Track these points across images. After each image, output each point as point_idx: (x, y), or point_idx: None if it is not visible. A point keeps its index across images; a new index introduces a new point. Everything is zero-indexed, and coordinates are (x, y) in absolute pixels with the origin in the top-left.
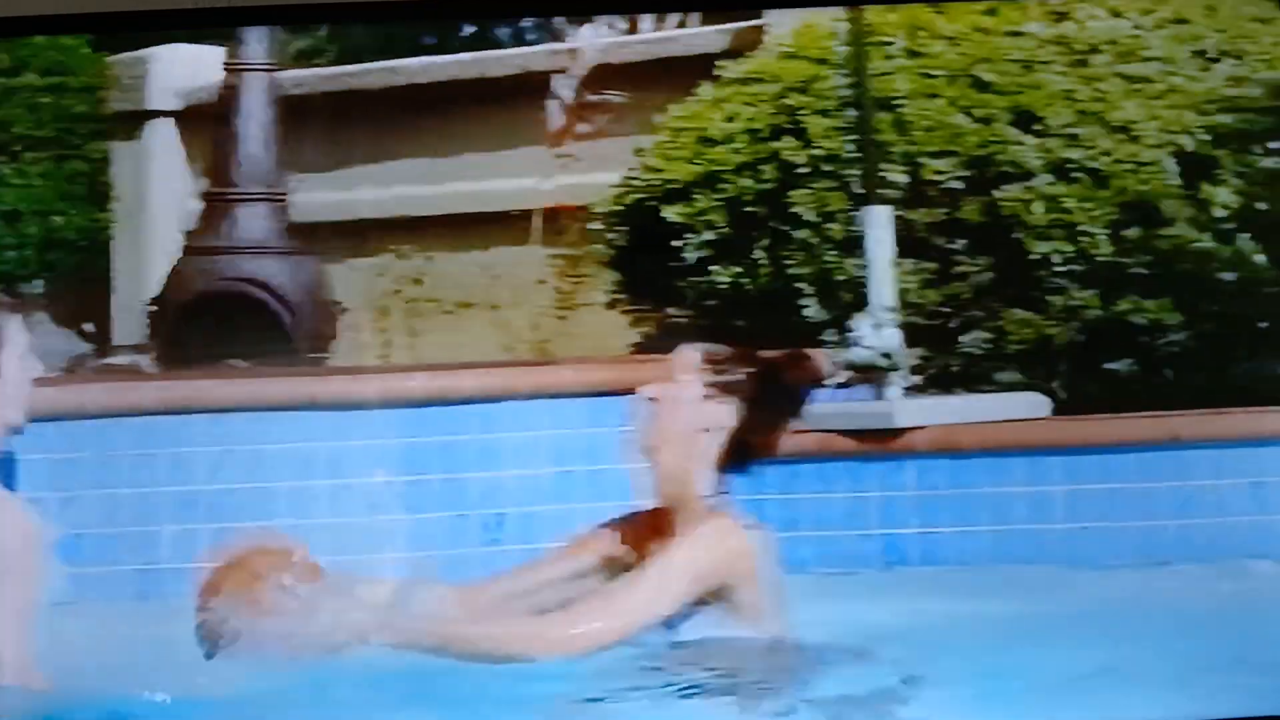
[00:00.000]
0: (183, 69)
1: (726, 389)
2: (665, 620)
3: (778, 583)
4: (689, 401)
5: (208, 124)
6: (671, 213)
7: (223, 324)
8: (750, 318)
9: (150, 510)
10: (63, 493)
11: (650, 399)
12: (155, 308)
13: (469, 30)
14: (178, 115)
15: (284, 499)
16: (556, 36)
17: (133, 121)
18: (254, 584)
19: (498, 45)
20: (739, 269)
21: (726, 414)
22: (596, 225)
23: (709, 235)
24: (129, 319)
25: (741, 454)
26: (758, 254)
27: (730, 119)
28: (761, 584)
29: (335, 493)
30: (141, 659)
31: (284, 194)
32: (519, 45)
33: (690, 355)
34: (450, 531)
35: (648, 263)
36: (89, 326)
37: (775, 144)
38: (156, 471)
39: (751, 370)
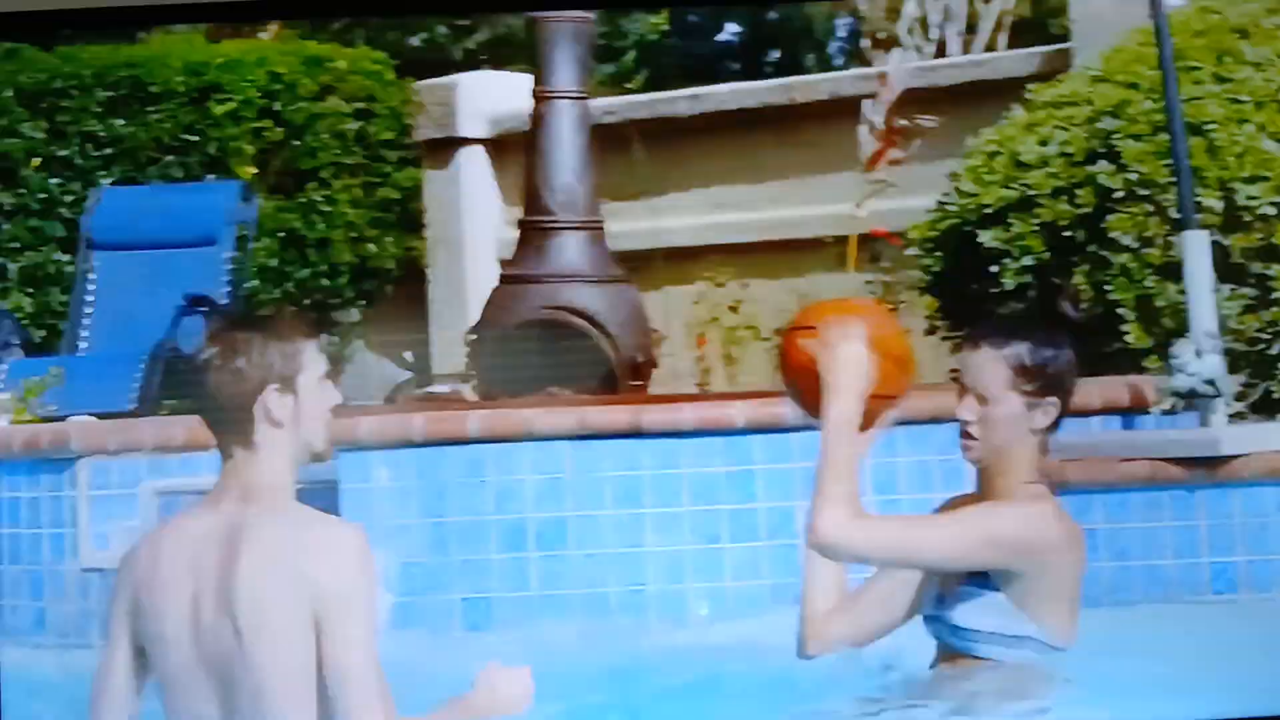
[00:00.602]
0: (490, 96)
1: (1042, 391)
2: (941, 593)
3: (1078, 590)
4: (1010, 414)
5: (518, 151)
6: (988, 237)
7: (543, 352)
8: (1070, 344)
9: (479, 538)
10: (389, 521)
11: (966, 422)
12: (475, 336)
13: (774, 56)
14: (487, 142)
15: (611, 526)
16: (864, 61)
17: (443, 148)
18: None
19: (804, 70)
20: (1074, 286)
21: (1050, 413)
22: (912, 250)
23: (1027, 260)
24: (449, 347)
25: (1056, 429)
26: (1076, 279)
27: (1044, 143)
28: (1066, 580)
29: (661, 521)
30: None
31: (600, 222)
32: (826, 70)
33: (998, 371)
34: (777, 561)
35: (965, 288)
36: (408, 355)
37: (1090, 168)
38: (484, 499)
39: (1054, 358)
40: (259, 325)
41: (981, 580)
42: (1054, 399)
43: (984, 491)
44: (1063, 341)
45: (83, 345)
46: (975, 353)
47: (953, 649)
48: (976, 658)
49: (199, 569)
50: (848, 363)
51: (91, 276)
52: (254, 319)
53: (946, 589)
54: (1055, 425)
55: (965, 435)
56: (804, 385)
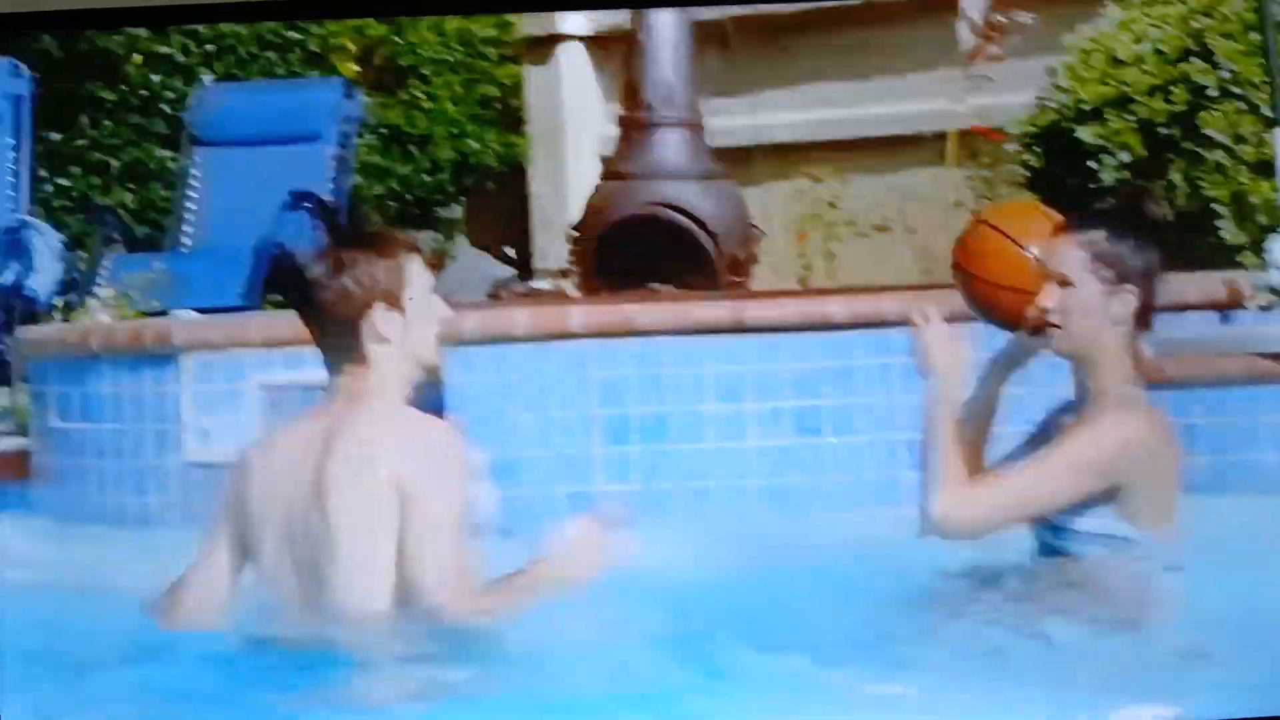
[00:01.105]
0: None
1: (1121, 278)
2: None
3: (1177, 484)
4: (1089, 299)
5: (618, 48)
6: (1086, 134)
7: (644, 249)
8: (1167, 240)
9: (582, 434)
10: (495, 416)
11: (1048, 310)
12: (576, 233)
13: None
14: (588, 40)
15: (713, 423)
16: None
17: (543, 46)
18: None
19: None
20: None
21: (1129, 303)
22: (1011, 146)
23: (1124, 157)
24: (550, 244)
25: (1145, 325)
26: (1173, 176)
27: (1138, 41)
28: (1165, 480)
29: (763, 416)
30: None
31: (700, 119)
32: None
33: (1076, 254)
34: (878, 456)
35: (1064, 184)
36: (510, 251)
37: (1184, 66)
38: (587, 395)
39: (1133, 245)
40: (363, 243)
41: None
42: (1131, 287)
43: (1078, 396)
44: (1144, 236)
45: (186, 242)
46: (1056, 240)
47: (1052, 549)
48: (1077, 559)
49: (296, 469)
50: (952, 349)
51: (195, 173)
52: (358, 236)
53: None
54: (1145, 324)
55: (1049, 325)
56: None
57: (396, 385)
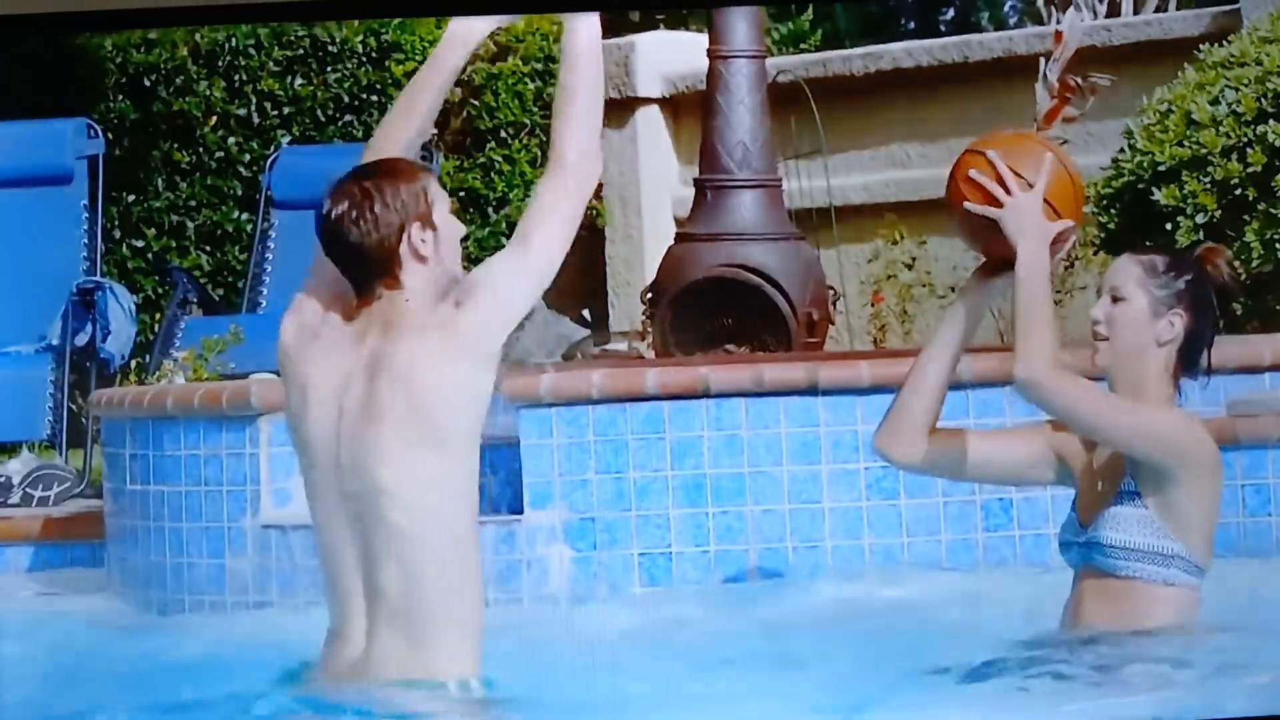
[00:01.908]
0: (667, 55)
1: (1172, 300)
2: (1082, 519)
3: (1218, 514)
4: (1138, 313)
5: (694, 111)
6: (1162, 195)
7: (719, 310)
8: (1243, 300)
9: (658, 495)
10: (569, 477)
11: (1097, 322)
12: (651, 294)
13: (949, 14)
14: (664, 102)
15: (788, 483)
16: (1039, 19)
17: (620, 109)
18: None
19: (979, 29)
20: (1230, 252)
21: (1175, 326)
22: (1087, 208)
23: (1199, 218)
24: (626, 305)
25: (1190, 362)
26: (1248, 237)
27: (1215, 102)
28: (1210, 496)
29: (836, 477)
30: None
31: (776, 180)
32: (1001, 29)
33: (1131, 268)
34: (955, 518)
35: (1139, 245)
36: (585, 313)
37: (1261, 127)
38: (662, 456)
39: (1188, 277)
40: (383, 171)
41: (1131, 495)
42: (1181, 311)
43: None
44: (1211, 274)
45: (262, 304)
46: (1117, 259)
47: (1097, 570)
48: (1123, 577)
49: (343, 408)
50: (1033, 209)
51: (271, 235)
52: (375, 167)
53: (1090, 513)
54: (1190, 360)
55: (1095, 338)
56: (974, 221)
57: (431, 301)
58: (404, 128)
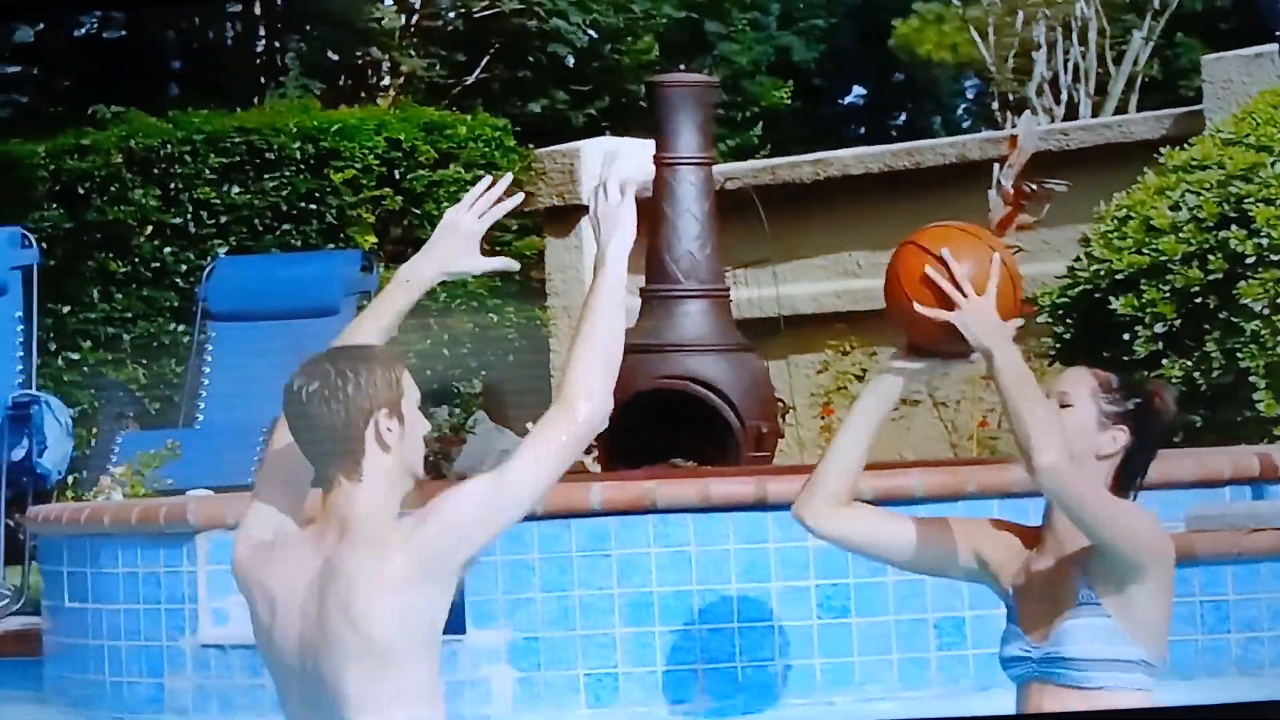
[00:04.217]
0: (609, 161)
1: (1117, 417)
2: (1032, 634)
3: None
4: (1084, 423)
5: (640, 218)
6: (1119, 305)
7: (665, 423)
8: (1203, 412)
9: (603, 613)
10: (513, 595)
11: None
12: None
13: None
14: None
15: (736, 600)
16: (993, 123)
17: (564, 216)
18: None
19: (931, 134)
20: (1189, 362)
21: (1117, 442)
22: (1043, 318)
23: (1158, 327)
24: None
25: (1125, 483)
26: (1209, 347)
27: (1175, 207)
28: (1167, 594)
29: (785, 595)
30: None
31: (724, 290)
32: (953, 133)
33: (1085, 379)
34: (907, 636)
35: (1096, 356)
36: (530, 425)
37: (1222, 233)
38: (608, 573)
39: (1138, 400)
40: (358, 354)
41: (1091, 605)
42: (1124, 429)
43: (1048, 518)
44: (1159, 404)
45: (199, 418)
46: (1070, 368)
47: (1056, 684)
48: (1088, 689)
49: (305, 614)
50: (991, 312)
51: (208, 347)
52: (350, 349)
53: (1041, 627)
54: (1127, 480)
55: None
56: (922, 321)
57: (389, 498)
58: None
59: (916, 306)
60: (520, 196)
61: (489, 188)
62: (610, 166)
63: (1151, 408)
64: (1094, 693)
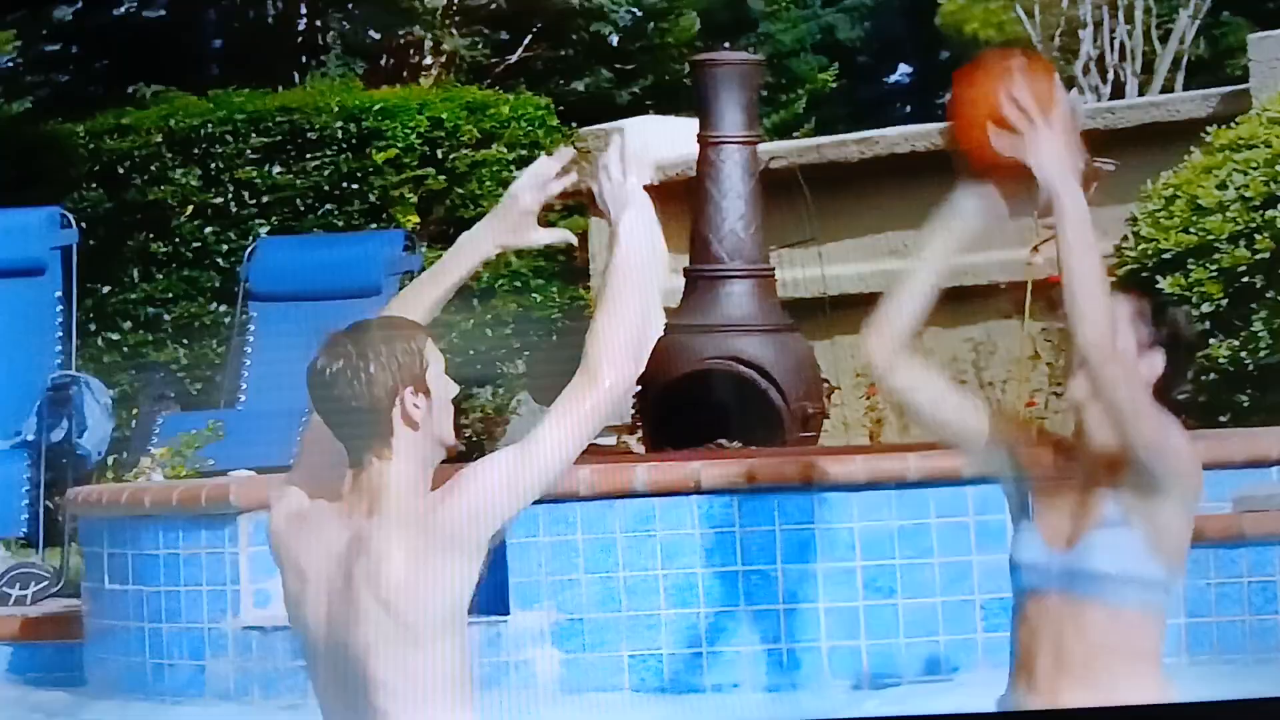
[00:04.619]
0: (656, 141)
1: (1153, 342)
2: (1055, 541)
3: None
4: (1127, 352)
5: (684, 198)
6: (1166, 284)
7: (710, 403)
8: (1250, 392)
9: (647, 595)
10: (557, 576)
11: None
12: (640, 387)
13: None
14: (653, 189)
15: (783, 583)
16: None
17: None
18: None
19: None
20: (1236, 342)
21: (1155, 366)
22: None
23: (1205, 307)
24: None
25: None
26: (1256, 326)
27: (1222, 186)
28: (1192, 512)
29: (834, 576)
30: None
31: (769, 269)
32: None
33: (1123, 305)
34: (950, 618)
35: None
36: None
37: (1270, 212)
38: (652, 555)
39: (1169, 324)
40: (378, 330)
41: (1118, 520)
42: (1161, 352)
43: (1079, 425)
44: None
45: (241, 399)
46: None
47: (1075, 598)
48: (1109, 605)
49: (332, 588)
50: (1065, 153)
51: (250, 328)
52: (370, 325)
53: (1066, 536)
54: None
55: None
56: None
57: (419, 473)
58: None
59: (984, 131)
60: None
61: (554, 162)
62: (614, 149)
63: (1180, 333)
64: (1116, 610)
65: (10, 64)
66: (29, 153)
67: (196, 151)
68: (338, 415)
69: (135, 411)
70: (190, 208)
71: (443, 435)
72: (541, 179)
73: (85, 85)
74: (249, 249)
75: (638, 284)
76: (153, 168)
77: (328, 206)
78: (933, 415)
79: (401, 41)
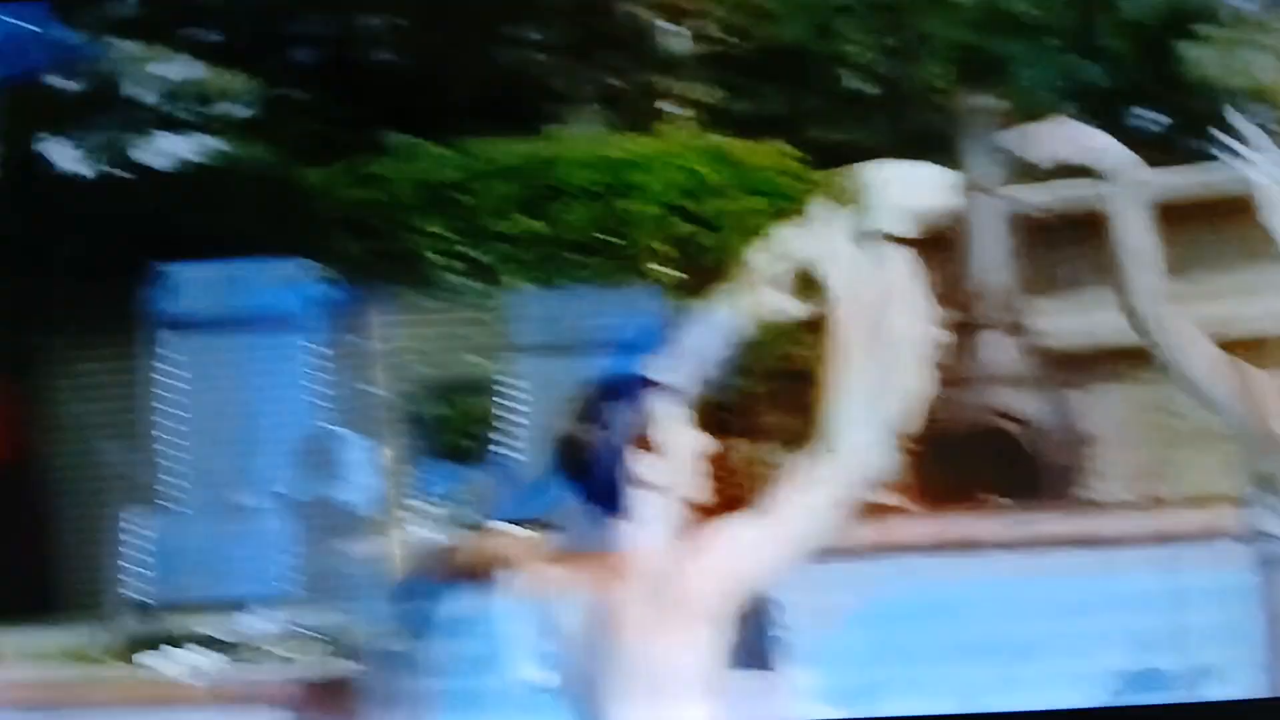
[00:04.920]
0: (907, 189)
1: None
2: None
3: None
4: None
5: (938, 247)
6: None
7: (973, 458)
8: None
9: (928, 652)
10: (827, 637)
11: None
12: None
13: (1195, 145)
14: (912, 240)
15: (1054, 642)
16: None
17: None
18: None
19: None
20: None
21: None
22: None
23: None
24: None
25: None
26: None
27: None
28: None
29: (1105, 635)
30: None
31: (1026, 319)
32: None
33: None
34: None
35: None
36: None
37: None
38: (923, 613)
39: None
40: (608, 391)
41: None
42: None
43: None
44: None
45: (508, 453)
46: None
47: None
48: None
49: (583, 653)
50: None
51: (517, 382)
52: (601, 386)
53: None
54: None
55: None
56: None
57: (662, 531)
58: None
59: None
60: None
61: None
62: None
63: None
64: None
65: (247, 107)
66: (273, 201)
67: (446, 201)
68: (574, 479)
69: (399, 465)
70: (443, 257)
71: (681, 490)
72: (777, 255)
73: (334, 133)
74: (504, 301)
75: (866, 346)
76: (403, 217)
77: (578, 257)
78: (1194, 373)
79: (650, 90)
